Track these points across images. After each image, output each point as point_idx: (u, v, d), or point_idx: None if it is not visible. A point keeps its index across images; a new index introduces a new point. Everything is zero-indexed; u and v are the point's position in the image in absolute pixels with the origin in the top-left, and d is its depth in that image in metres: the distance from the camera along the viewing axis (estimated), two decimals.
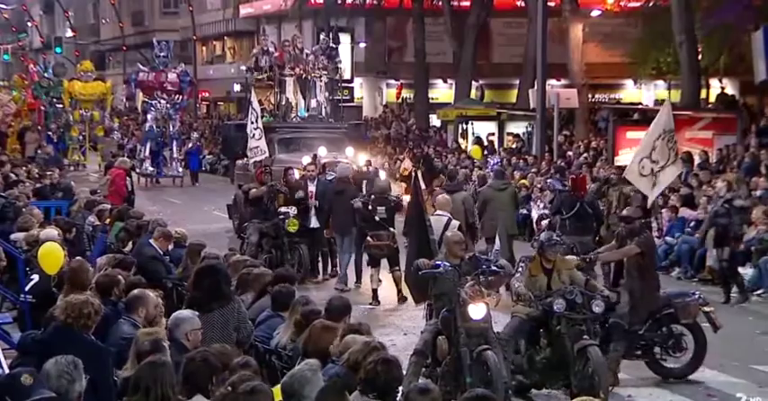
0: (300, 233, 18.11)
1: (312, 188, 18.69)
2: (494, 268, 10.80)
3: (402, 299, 16.10)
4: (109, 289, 9.62)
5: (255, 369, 7.23)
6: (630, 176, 13.90)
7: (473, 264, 10.81)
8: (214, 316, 8.95)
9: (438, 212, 15.01)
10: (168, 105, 38.19)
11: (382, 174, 20.76)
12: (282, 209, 18.29)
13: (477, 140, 33.91)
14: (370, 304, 16.41)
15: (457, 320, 10.12)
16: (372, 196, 17.31)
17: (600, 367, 10.35)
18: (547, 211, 20.61)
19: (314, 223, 18.38)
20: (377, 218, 16.71)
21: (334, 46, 27.72)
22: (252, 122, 21.34)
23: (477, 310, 10.15)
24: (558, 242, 11.22)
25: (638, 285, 12.03)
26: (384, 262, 16.68)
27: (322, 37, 28.63)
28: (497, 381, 9.78)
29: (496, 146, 33.85)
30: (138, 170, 36.83)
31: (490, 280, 10.67)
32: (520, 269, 11.16)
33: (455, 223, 14.73)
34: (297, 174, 19.27)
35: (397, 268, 16.22)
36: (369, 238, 16.69)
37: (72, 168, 39.21)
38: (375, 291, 16.56)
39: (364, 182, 19.80)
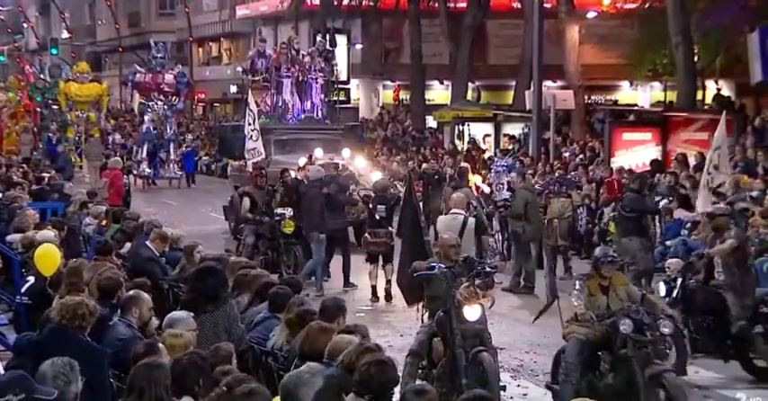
0: (296, 234, 18.14)
1: None
2: (488, 269, 10.77)
3: (388, 296, 16.27)
4: (113, 291, 9.55)
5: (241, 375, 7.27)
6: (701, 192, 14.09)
7: (467, 266, 10.78)
8: (206, 317, 8.96)
9: (454, 211, 14.94)
10: (165, 107, 38.21)
11: (375, 175, 20.78)
12: (279, 211, 18.31)
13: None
14: (371, 300, 16.56)
15: (452, 322, 10.08)
16: (373, 194, 17.51)
17: (679, 392, 9.52)
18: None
19: None
20: (377, 217, 16.88)
21: (330, 48, 27.74)
22: (249, 124, 21.39)
23: (472, 312, 10.12)
24: (614, 258, 10.53)
25: (740, 281, 11.86)
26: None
27: (318, 39, 28.64)
28: (493, 382, 9.77)
29: (492, 147, 33.83)
30: (135, 172, 36.84)
31: (486, 281, 10.64)
32: (578, 288, 10.51)
33: (472, 221, 14.67)
34: (293, 175, 19.29)
35: (390, 264, 16.42)
36: (367, 236, 16.91)
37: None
38: (374, 288, 16.69)
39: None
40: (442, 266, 10.54)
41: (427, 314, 10.95)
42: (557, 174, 22.63)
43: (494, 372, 9.89)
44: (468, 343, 10.04)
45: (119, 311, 8.93)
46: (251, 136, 21.26)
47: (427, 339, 10.46)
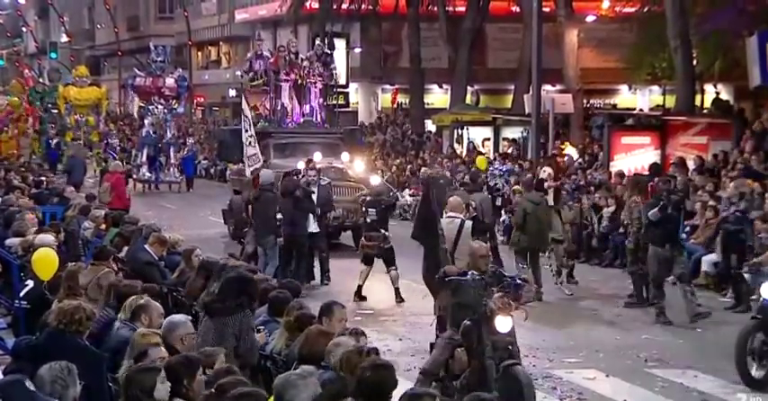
0: None
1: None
2: (518, 281, 10.53)
3: (399, 300, 16.36)
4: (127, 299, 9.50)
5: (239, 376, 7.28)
6: None
7: (497, 278, 10.48)
8: (219, 321, 8.89)
9: (450, 214, 14.76)
10: (165, 110, 38.23)
11: (375, 179, 20.81)
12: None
13: (479, 152, 33.64)
14: (353, 300, 16.55)
15: (481, 331, 9.74)
16: (367, 198, 17.83)
17: None
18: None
19: (313, 228, 18.42)
20: (368, 220, 17.27)
21: (328, 52, 27.74)
22: (245, 130, 21.30)
23: (504, 323, 9.82)
24: None
25: None
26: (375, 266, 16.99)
27: (317, 43, 28.63)
28: (529, 395, 9.52)
29: (491, 151, 33.84)
30: (135, 176, 36.82)
31: (516, 294, 10.34)
32: None
33: (468, 224, 14.57)
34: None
35: (394, 267, 16.81)
36: (362, 238, 17.36)
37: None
38: (360, 287, 16.92)
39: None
40: (476, 273, 10.28)
41: (448, 322, 10.47)
42: (570, 179, 22.44)
43: (530, 387, 9.61)
44: (498, 355, 9.70)
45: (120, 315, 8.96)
46: (249, 142, 21.18)
47: (446, 358, 10.03)
